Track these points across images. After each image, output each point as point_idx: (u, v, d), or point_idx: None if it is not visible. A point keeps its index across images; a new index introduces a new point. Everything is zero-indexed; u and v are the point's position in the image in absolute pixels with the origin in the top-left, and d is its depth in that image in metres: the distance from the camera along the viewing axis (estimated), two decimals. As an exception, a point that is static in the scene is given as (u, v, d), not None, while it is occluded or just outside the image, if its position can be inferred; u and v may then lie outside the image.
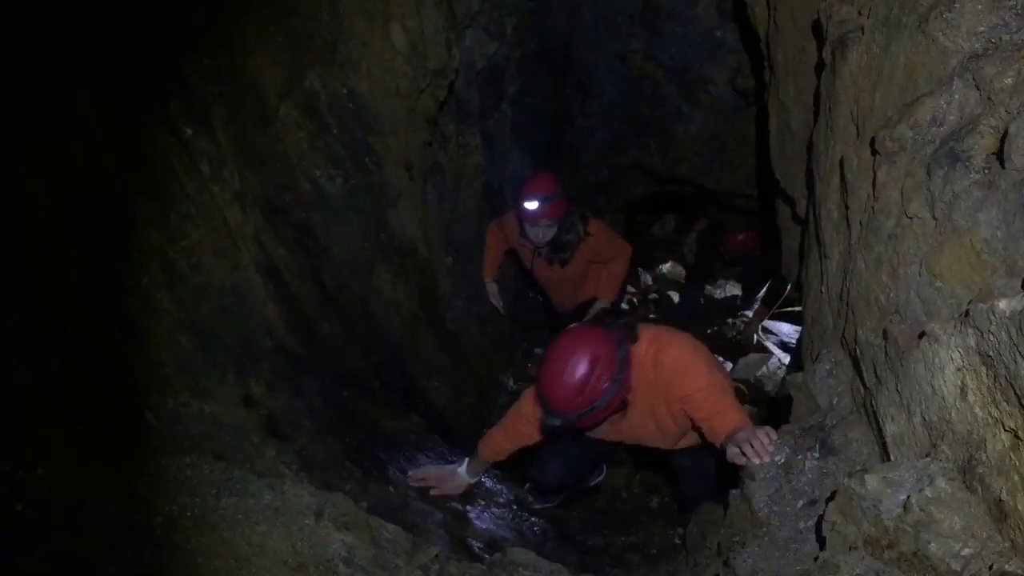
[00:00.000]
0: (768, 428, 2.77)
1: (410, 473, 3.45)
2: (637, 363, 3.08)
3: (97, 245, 2.53)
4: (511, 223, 5.17)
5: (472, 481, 3.61)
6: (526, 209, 4.73)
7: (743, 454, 2.73)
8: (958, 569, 1.69)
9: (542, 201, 4.71)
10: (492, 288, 5.51)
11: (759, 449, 2.69)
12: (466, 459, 3.60)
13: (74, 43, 2.48)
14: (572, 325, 3.25)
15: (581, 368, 2.88)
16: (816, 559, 2.12)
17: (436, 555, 2.50)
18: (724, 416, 2.98)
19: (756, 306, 6.98)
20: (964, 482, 1.83)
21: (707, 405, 3.03)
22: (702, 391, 3.03)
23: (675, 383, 3.08)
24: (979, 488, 1.77)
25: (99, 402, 2.34)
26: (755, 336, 6.58)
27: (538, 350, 5.84)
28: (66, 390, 2.22)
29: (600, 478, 4.35)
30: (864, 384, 2.46)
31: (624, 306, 6.93)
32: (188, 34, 3.02)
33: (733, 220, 7.49)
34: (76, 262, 2.44)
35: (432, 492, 3.45)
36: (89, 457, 2.12)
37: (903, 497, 1.86)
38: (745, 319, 7.23)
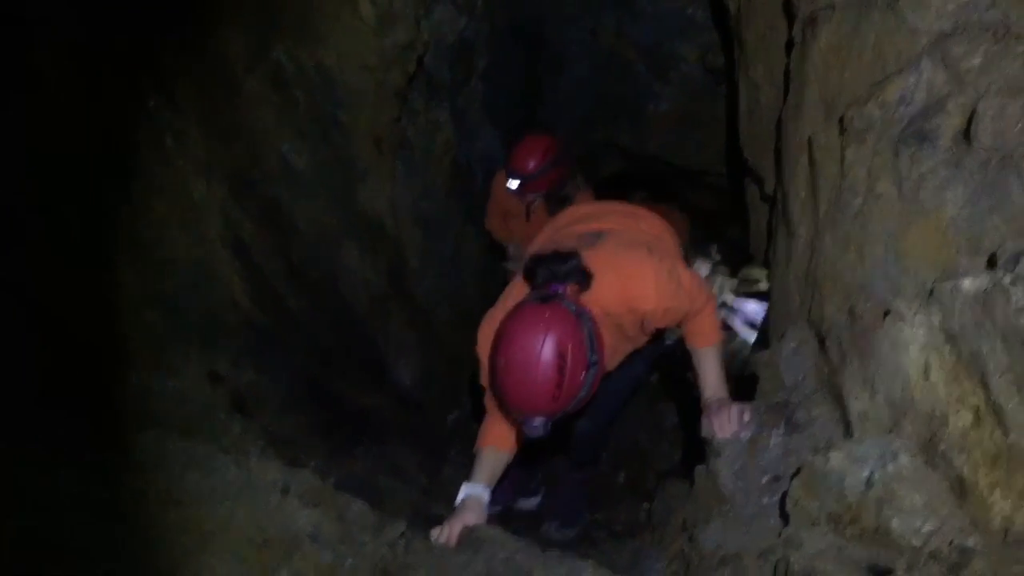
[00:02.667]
0: (744, 407, 2.74)
1: (433, 537, 2.53)
2: (600, 307, 2.60)
3: (61, 217, 2.49)
4: (499, 183, 4.99)
5: (487, 497, 2.76)
6: (508, 188, 4.67)
7: (711, 424, 2.73)
8: (919, 545, 1.71)
9: (524, 179, 4.60)
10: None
11: (724, 424, 2.69)
12: (467, 482, 2.79)
13: (42, 11, 2.43)
14: (511, 303, 2.63)
15: (548, 370, 2.32)
16: (780, 534, 2.14)
17: (403, 532, 2.50)
18: (703, 335, 2.87)
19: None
20: (926, 459, 1.85)
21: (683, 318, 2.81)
22: (682, 315, 2.79)
23: (652, 319, 2.74)
24: (941, 465, 1.80)
25: (63, 377, 2.31)
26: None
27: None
28: (30, 364, 2.19)
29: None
30: (829, 362, 2.48)
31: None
32: (155, 4, 2.96)
33: (700, 197, 7.49)
34: (39, 234, 2.40)
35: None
36: (53, 432, 2.09)
37: (866, 473, 1.88)
38: None
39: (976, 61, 2.03)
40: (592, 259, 2.64)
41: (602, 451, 4.08)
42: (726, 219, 7.29)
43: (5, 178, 2.27)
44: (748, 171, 4.31)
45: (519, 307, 2.48)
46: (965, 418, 1.72)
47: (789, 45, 3.19)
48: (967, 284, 1.64)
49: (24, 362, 2.18)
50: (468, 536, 2.56)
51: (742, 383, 3.08)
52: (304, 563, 2.11)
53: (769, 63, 3.77)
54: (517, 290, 2.76)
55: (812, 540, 1.96)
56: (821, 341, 2.58)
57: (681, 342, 2.97)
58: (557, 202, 4.65)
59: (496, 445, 2.82)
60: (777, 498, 2.40)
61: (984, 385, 1.62)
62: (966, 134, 1.98)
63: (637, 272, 2.64)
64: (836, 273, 2.52)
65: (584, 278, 2.57)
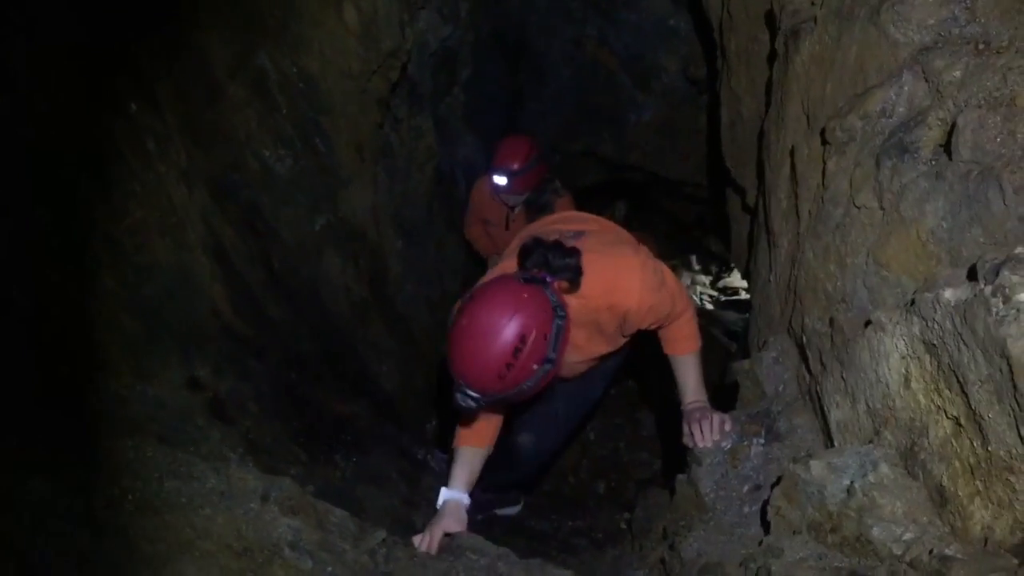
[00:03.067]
0: (725, 416, 2.74)
1: (415, 545, 2.54)
2: (582, 301, 2.52)
3: (38, 222, 2.46)
4: (479, 190, 5.06)
5: (467, 501, 2.75)
6: (495, 183, 4.67)
7: (692, 435, 2.73)
8: (899, 553, 1.72)
9: (510, 177, 4.63)
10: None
11: (706, 433, 2.69)
12: (446, 487, 2.79)
13: (18, 12, 2.41)
14: (497, 272, 2.60)
15: (502, 348, 2.24)
16: (760, 543, 2.15)
17: (383, 539, 2.49)
18: (681, 341, 2.83)
19: None
20: (906, 468, 1.87)
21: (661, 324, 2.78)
22: (664, 316, 2.72)
23: (634, 318, 2.66)
24: (921, 474, 1.81)
25: (39, 383, 2.28)
26: None
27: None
28: (4, 370, 2.16)
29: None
30: (810, 371, 2.50)
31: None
32: (137, 7, 2.94)
33: (683, 208, 7.53)
34: (14, 239, 2.37)
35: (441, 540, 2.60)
36: (27, 438, 2.07)
37: (847, 482, 1.90)
38: None
39: (956, 74, 2.05)
40: (584, 246, 2.58)
41: (541, 476, 4.07)
42: (705, 230, 7.34)
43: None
44: (730, 182, 4.34)
45: (501, 277, 2.44)
46: (945, 427, 1.73)
47: (772, 56, 3.21)
48: (947, 295, 1.65)
49: None
50: (449, 544, 2.56)
51: (722, 392, 3.09)
52: (284, 571, 2.10)
53: (751, 74, 3.80)
54: (501, 268, 2.67)
55: (793, 548, 1.96)
56: (802, 351, 2.60)
57: (658, 349, 2.94)
58: (537, 210, 4.68)
59: (473, 444, 2.78)
60: (758, 507, 2.41)
61: (964, 395, 1.63)
62: (946, 146, 2.00)
63: (623, 266, 2.57)
64: (817, 283, 2.54)
65: (576, 278, 2.49)
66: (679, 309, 2.74)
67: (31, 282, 2.41)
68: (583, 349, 2.78)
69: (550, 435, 3.47)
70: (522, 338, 2.24)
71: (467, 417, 2.77)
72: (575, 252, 2.52)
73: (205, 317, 3.10)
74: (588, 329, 2.67)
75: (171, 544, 2.00)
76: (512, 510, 4.07)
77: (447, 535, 2.60)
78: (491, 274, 2.65)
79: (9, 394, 2.12)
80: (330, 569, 2.18)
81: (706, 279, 8.26)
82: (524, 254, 2.54)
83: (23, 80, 2.44)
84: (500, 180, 4.61)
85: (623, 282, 2.55)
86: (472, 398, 2.31)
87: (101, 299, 2.67)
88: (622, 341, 2.89)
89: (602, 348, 2.86)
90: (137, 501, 2.09)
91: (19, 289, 2.33)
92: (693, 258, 8.58)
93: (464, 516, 2.69)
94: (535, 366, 2.31)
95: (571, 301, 2.49)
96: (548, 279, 2.45)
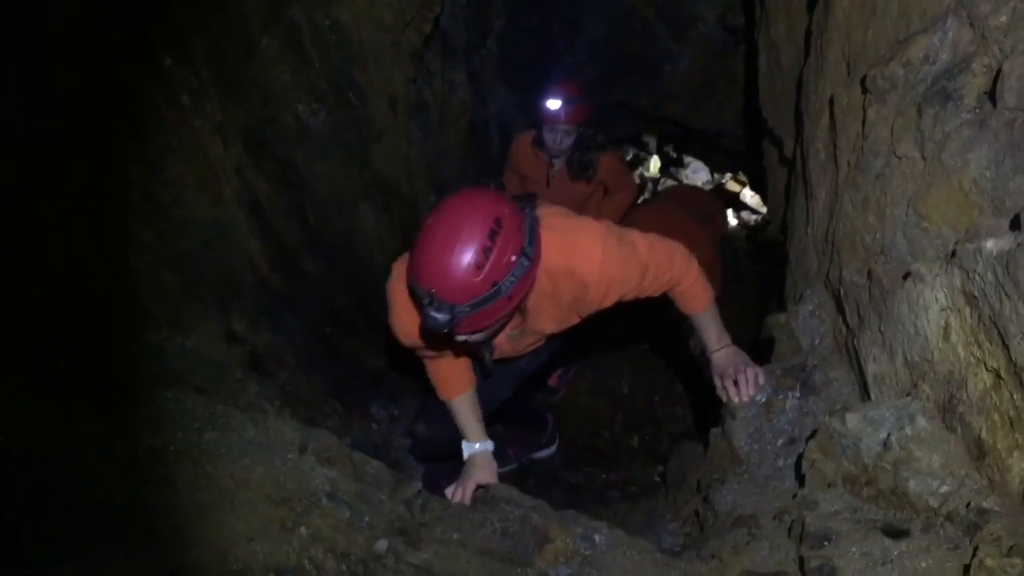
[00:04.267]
0: (758, 369, 2.69)
1: (448, 496, 2.64)
2: (539, 272, 2.31)
3: (77, 177, 2.48)
4: (520, 145, 4.88)
5: (491, 447, 2.79)
6: (547, 108, 4.46)
7: (726, 389, 2.71)
8: (936, 506, 1.71)
9: (565, 102, 4.43)
10: None
11: (742, 389, 2.66)
12: (466, 440, 2.80)
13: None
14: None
15: (477, 232, 2.02)
16: (795, 496, 2.15)
17: (419, 490, 2.52)
18: (690, 301, 2.68)
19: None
20: (944, 421, 1.85)
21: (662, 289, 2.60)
22: (633, 292, 2.52)
23: (594, 292, 2.45)
24: (959, 427, 1.79)
25: (82, 335, 2.32)
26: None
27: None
28: (48, 323, 2.20)
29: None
30: (847, 324, 2.47)
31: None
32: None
33: (719, 162, 7.44)
34: (56, 194, 2.40)
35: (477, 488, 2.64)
36: (72, 390, 2.11)
37: (883, 435, 1.88)
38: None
39: (1003, 19, 1.99)
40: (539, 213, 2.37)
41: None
42: (741, 182, 7.26)
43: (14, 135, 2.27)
44: (767, 133, 4.27)
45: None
46: (985, 380, 1.71)
47: (811, 4, 3.14)
48: (990, 245, 1.62)
49: (40, 320, 2.19)
50: (483, 495, 2.58)
51: (757, 345, 3.07)
52: (322, 520, 2.13)
53: (790, 22, 3.71)
54: None
55: (827, 501, 1.96)
56: (839, 304, 2.57)
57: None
58: (580, 167, 4.60)
59: (463, 390, 2.75)
60: (792, 460, 2.41)
61: (1005, 347, 1.60)
62: (991, 93, 1.95)
63: (584, 230, 2.38)
64: (855, 235, 2.50)
65: (532, 203, 2.32)
66: (676, 276, 2.57)
67: (71, 235, 2.44)
68: (535, 318, 2.59)
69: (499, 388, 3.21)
70: (496, 220, 2.04)
71: (440, 366, 2.72)
72: (531, 195, 2.44)
73: (241, 271, 3.14)
74: (545, 297, 2.49)
75: (211, 493, 2.04)
76: (548, 452, 4.08)
77: (480, 487, 2.60)
78: None
79: (51, 344, 2.16)
80: (367, 519, 2.21)
81: (742, 232, 8.21)
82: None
83: (58, 34, 2.45)
84: (554, 105, 4.45)
85: (582, 245, 2.35)
86: (444, 308, 2.05)
87: (140, 252, 2.70)
88: (574, 321, 2.68)
89: (550, 325, 2.68)
90: (178, 451, 2.13)
91: (59, 241, 2.36)
92: (729, 211, 8.51)
93: (494, 464, 2.71)
94: (513, 257, 2.08)
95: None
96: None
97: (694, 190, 6.38)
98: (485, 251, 2.01)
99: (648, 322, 3.20)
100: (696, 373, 4.34)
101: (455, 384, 2.75)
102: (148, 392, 2.35)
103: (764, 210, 7.11)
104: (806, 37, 3.27)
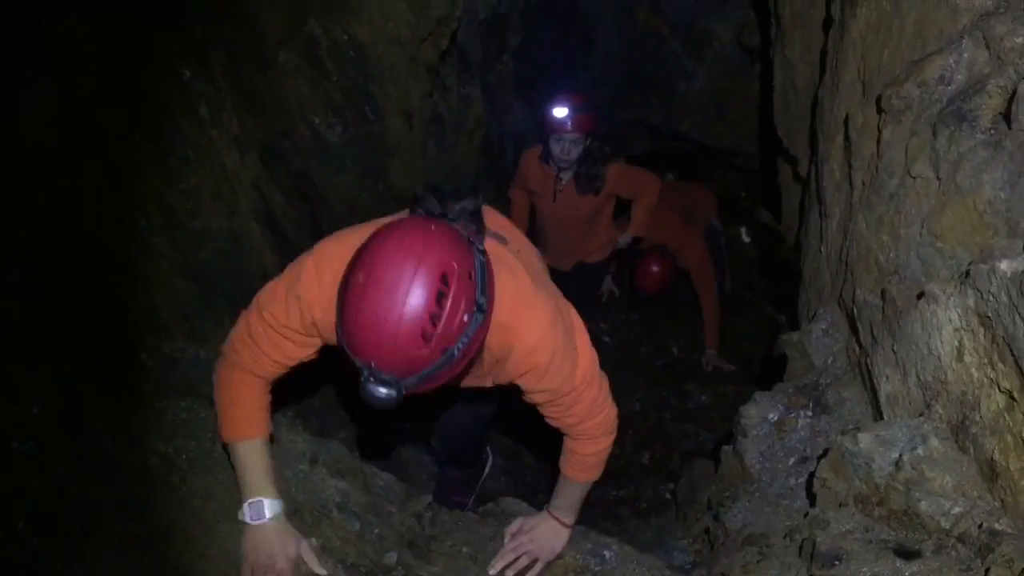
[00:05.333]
0: (543, 565, 2.35)
1: None
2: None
3: (94, 185, 2.51)
4: (528, 160, 4.84)
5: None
6: (554, 117, 4.43)
7: (503, 551, 2.36)
8: (947, 527, 1.71)
9: (572, 110, 4.40)
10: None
11: (507, 566, 2.32)
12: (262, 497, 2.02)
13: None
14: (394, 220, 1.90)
15: (420, 298, 1.61)
16: (806, 515, 2.14)
17: (429, 503, 2.52)
18: (578, 463, 2.31)
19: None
20: (956, 442, 1.84)
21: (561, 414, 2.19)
22: (551, 395, 2.12)
23: (513, 366, 2.05)
24: (971, 448, 1.79)
25: (96, 344, 2.34)
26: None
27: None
28: (64, 330, 2.22)
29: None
30: (860, 344, 2.47)
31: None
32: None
33: (733, 180, 7.42)
34: (72, 202, 2.42)
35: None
36: (86, 398, 2.12)
37: (895, 455, 1.88)
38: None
39: (1018, 40, 1.99)
40: (493, 249, 2.03)
41: (474, 449, 3.34)
42: (755, 201, 7.24)
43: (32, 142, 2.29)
44: (781, 151, 4.27)
45: (395, 222, 1.81)
46: (998, 401, 1.71)
47: (827, 23, 3.15)
48: (1003, 266, 1.62)
49: (56, 328, 2.21)
50: (492, 508, 2.59)
51: (770, 363, 3.07)
52: (333, 531, 2.14)
53: (806, 41, 3.72)
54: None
55: (838, 521, 1.96)
56: (852, 323, 2.57)
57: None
58: (587, 180, 4.59)
59: (254, 434, 2.08)
60: (804, 479, 2.40)
61: (1018, 368, 1.60)
62: (1006, 115, 1.95)
63: (541, 301, 2.03)
64: (869, 254, 2.50)
65: (479, 225, 2.04)
66: (586, 428, 2.20)
67: (87, 244, 2.46)
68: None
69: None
70: (443, 277, 1.64)
71: (237, 397, 2.09)
72: (475, 192, 2.09)
73: (256, 282, 3.14)
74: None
75: (223, 502, 2.05)
76: (487, 468, 3.57)
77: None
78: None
79: (65, 352, 2.18)
80: (377, 531, 2.22)
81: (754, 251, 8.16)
82: (414, 201, 2.09)
83: (77, 44, 2.47)
84: (560, 113, 4.43)
85: (533, 312, 2.00)
86: (387, 385, 1.67)
87: (155, 262, 2.72)
88: (487, 384, 2.27)
89: (465, 377, 2.21)
90: (190, 460, 2.14)
91: (75, 250, 2.38)
92: (743, 230, 8.47)
93: (289, 528, 2.04)
94: (465, 316, 1.69)
95: None
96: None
97: (674, 187, 6.25)
98: (432, 318, 1.63)
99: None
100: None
101: (248, 423, 2.09)
102: (162, 401, 2.36)
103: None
104: (821, 56, 3.28)
